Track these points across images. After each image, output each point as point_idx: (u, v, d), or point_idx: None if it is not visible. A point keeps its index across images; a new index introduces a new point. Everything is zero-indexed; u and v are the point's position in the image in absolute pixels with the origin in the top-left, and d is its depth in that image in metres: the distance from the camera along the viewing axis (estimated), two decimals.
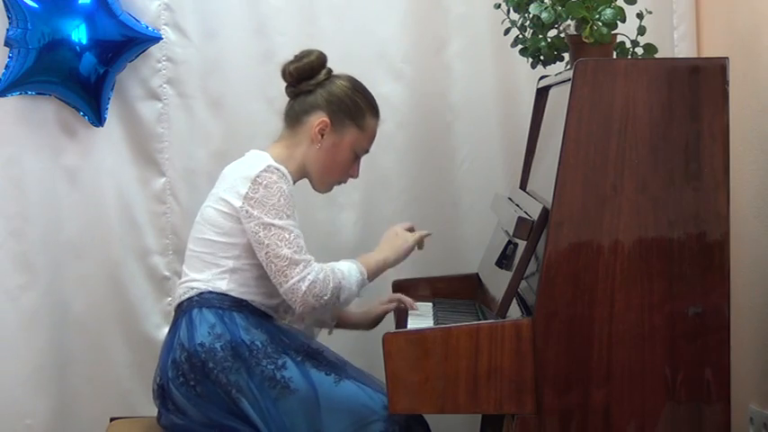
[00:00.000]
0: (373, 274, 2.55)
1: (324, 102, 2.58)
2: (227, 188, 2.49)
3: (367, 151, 2.66)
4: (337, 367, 2.48)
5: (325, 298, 2.42)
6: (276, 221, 2.42)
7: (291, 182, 2.49)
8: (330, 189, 2.68)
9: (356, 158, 2.64)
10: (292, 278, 2.40)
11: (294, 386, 2.40)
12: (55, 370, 3.12)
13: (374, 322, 2.82)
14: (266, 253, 2.42)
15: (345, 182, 2.68)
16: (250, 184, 2.44)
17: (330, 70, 2.63)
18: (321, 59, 2.62)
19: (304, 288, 2.40)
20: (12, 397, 3.09)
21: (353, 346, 3.12)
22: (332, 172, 2.62)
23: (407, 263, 3.11)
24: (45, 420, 3.11)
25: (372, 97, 2.64)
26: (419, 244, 2.66)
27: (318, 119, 2.58)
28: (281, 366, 2.41)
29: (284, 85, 2.62)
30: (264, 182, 2.44)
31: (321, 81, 2.60)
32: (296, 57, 2.63)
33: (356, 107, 2.60)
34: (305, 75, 2.60)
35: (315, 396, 2.40)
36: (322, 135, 2.58)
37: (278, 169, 2.46)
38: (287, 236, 2.42)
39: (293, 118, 2.62)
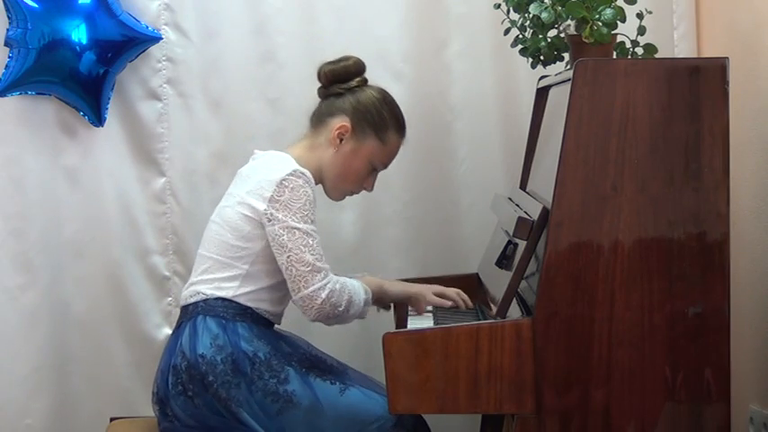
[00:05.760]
0: (375, 297, 2.57)
1: (350, 107, 2.58)
2: (251, 191, 2.47)
3: (385, 166, 2.65)
4: (341, 374, 2.48)
5: (340, 309, 2.42)
6: (301, 225, 2.41)
7: (314, 186, 2.49)
8: (342, 197, 2.67)
9: (372, 171, 2.63)
10: (313, 285, 2.39)
11: (297, 399, 2.39)
12: (55, 370, 3.11)
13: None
14: (288, 257, 2.41)
15: (358, 192, 2.67)
16: (275, 186, 2.43)
17: (365, 80, 2.63)
18: (358, 66, 2.63)
19: (323, 296, 2.39)
20: (11, 396, 3.08)
21: (354, 346, 3.13)
22: (345, 179, 2.61)
23: (408, 263, 3.12)
24: (45, 420, 3.10)
25: (401, 114, 2.64)
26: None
27: (340, 122, 2.57)
28: (283, 380, 2.40)
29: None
30: (291, 185, 2.43)
31: (352, 87, 2.60)
32: (334, 59, 2.63)
33: (381, 119, 2.59)
34: (338, 78, 2.60)
35: (320, 407, 2.40)
36: (341, 140, 2.57)
37: (303, 173, 2.45)
38: (310, 242, 2.41)
39: (318, 118, 2.62)
